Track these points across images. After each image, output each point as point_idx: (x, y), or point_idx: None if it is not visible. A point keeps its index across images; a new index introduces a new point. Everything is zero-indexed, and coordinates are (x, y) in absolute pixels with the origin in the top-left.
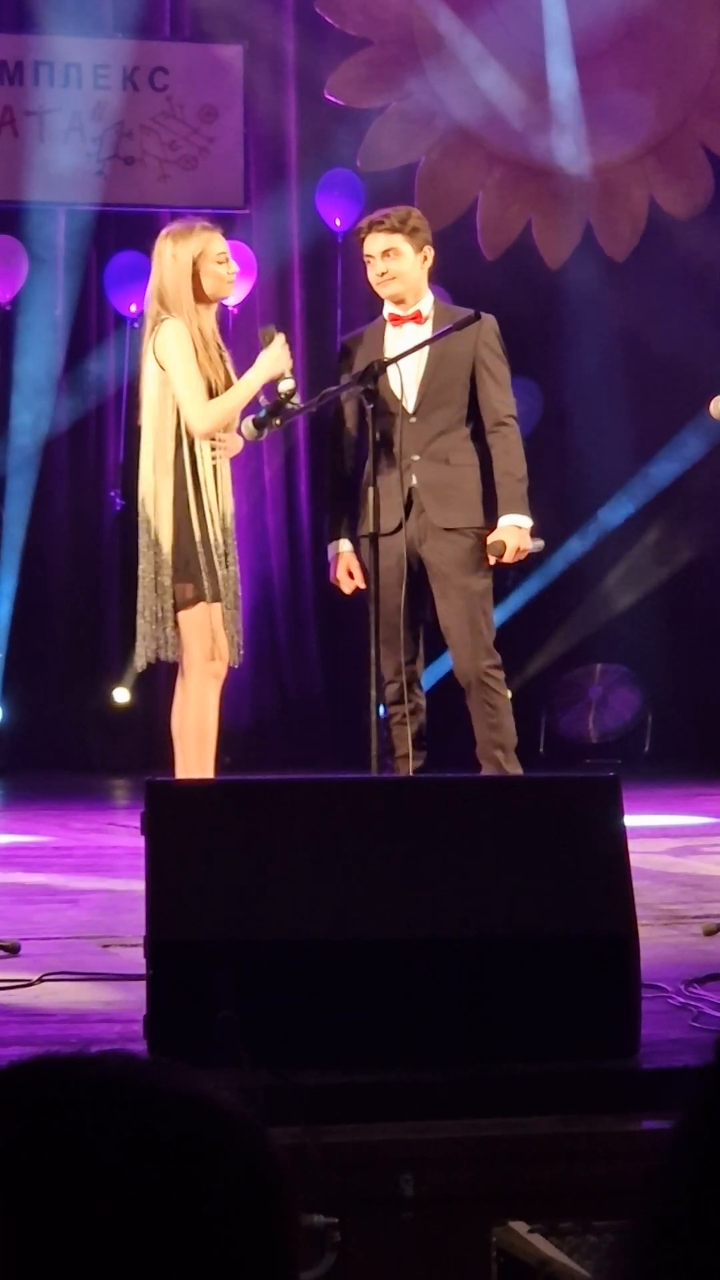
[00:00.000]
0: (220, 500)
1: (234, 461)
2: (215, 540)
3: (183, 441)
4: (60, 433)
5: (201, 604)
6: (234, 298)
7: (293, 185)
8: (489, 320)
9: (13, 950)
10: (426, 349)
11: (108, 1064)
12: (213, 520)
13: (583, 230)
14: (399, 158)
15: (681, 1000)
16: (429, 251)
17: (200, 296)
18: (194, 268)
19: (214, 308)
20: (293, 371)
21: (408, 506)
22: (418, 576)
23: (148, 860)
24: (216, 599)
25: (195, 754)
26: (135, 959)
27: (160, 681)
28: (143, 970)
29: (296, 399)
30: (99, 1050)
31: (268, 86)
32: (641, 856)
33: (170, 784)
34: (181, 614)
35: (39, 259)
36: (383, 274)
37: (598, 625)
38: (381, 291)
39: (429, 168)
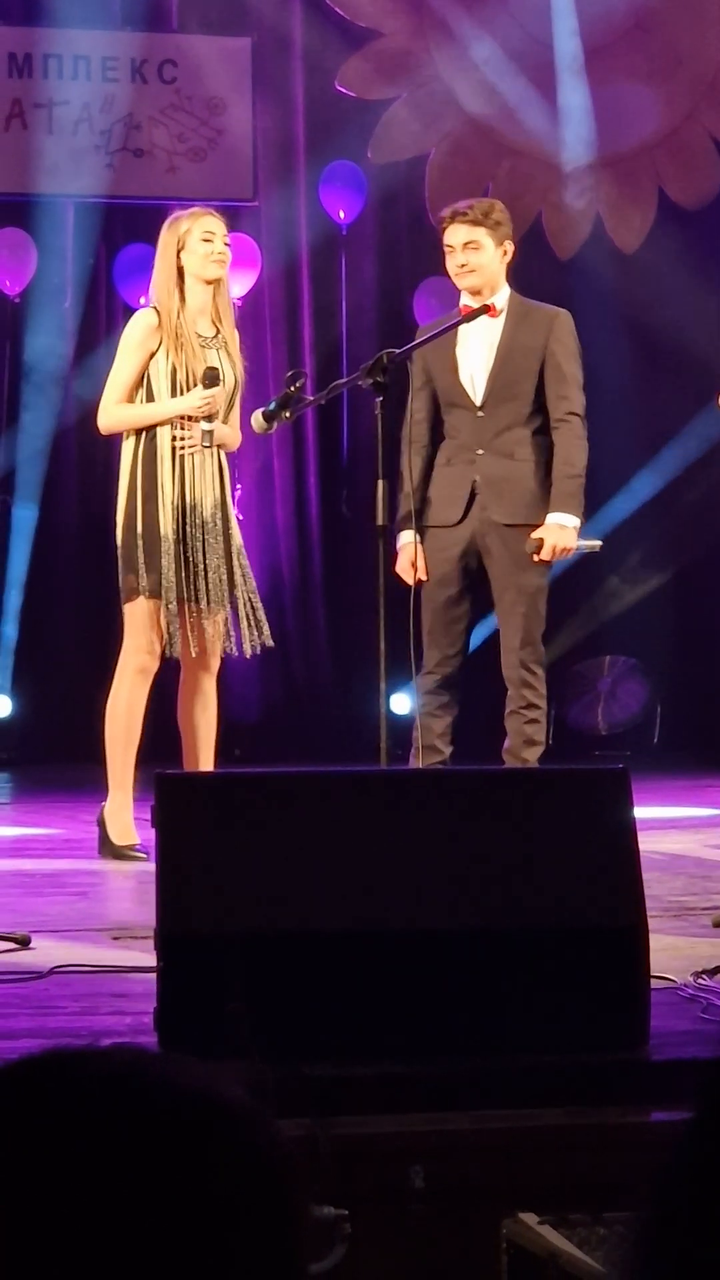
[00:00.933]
0: (188, 493)
1: (242, 453)
2: (164, 534)
3: (143, 431)
4: (69, 425)
5: (140, 598)
6: (239, 288)
7: (301, 178)
8: (563, 316)
9: (23, 943)
10: (496, 342)
11: (117, 1058)
12: (165, 514)
13: (593, 221)
14: (409, 149)
15: (690, 992)
16: (509, 246)
17: (183, 281)
18: (177, 251)
19: (208, 292)
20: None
21: (469, 500)
22: (475, 572)
23: (158, 853)
24: (155, 595)
25: (113, 751)
26: (145, 951)
27: (168, 674)
28: (153, 962)
29: (306, 392)
30: (109, 1044)
31: (277, 78)
32: (650, 848)
33: (180, 776)
34: (125, 605)
35: (48, 251)
36: (462, 265)
37: (607, 617)
38: (459, 283)
39: (439, 159)
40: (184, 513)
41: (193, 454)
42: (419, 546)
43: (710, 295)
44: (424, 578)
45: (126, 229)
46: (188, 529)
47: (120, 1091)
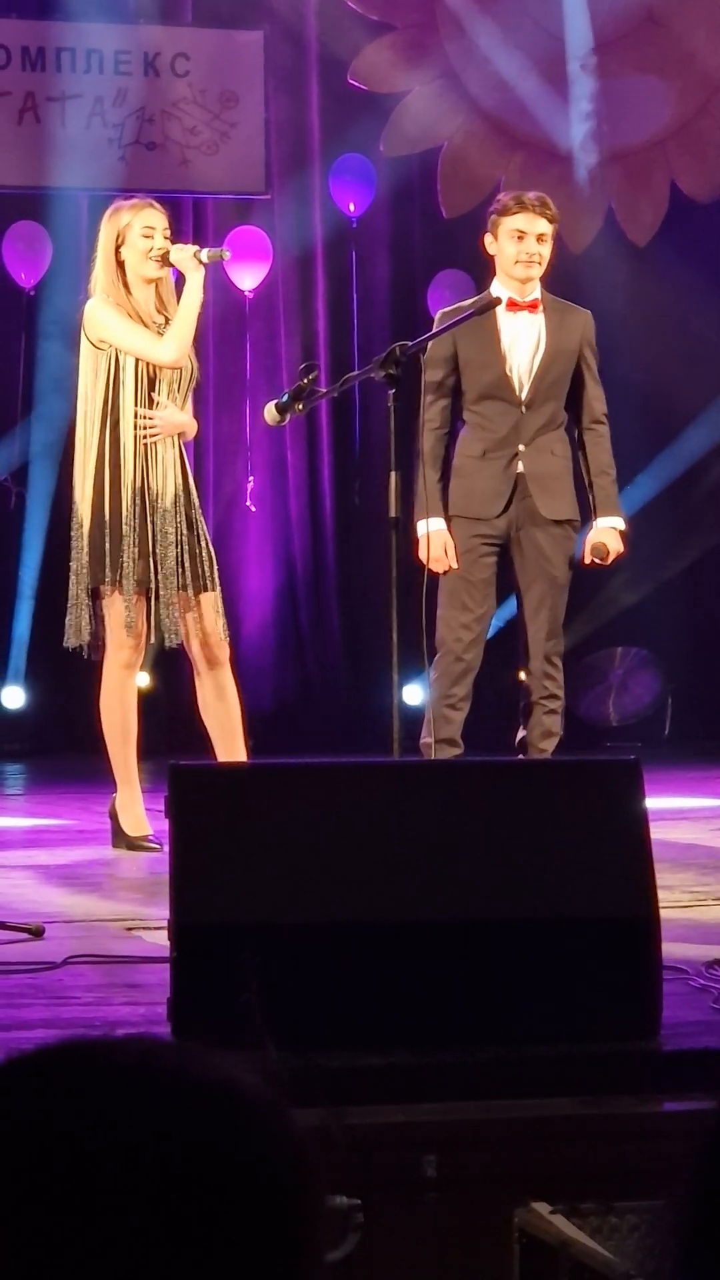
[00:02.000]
0: (150, 482)
1: (256, 446)
2: (127, 524)
3: (106, 422)
4: None
5: (115, 593)
6: (250, 281)
7: (315, 171)
8: (591, 317)
9: (37, 934)
10: (542, 341)
11: (133, 1048)
12: (128, 504)
13: (605, 214)
14: (422, 142)
15: (702, 982)
16: None
17: (124, 274)
18: (117, 246)
19: (151, 286)
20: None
21: (511, 494)
22: (500, 565)
23: (172, 843)
24: (117, 587)
25: (112, 748)
26: (159, 942)
27: (182, 666)
28: (167, 953)
29: (319, 384)
30: (124, 1034)
31: (289, 72)
32: (662, 839)
33: (194, 768)
34: (104, 598)
35: (62, 244)
36: (532, 255)
37: (618, 609)
38: (519, 271)
39: (452, 152)
40: (146, 502)
41: (154, 442)
42: (450, 536)
43: None
44: (454, 566)
45: None
46: (151, 518)
47: (136, 1081)
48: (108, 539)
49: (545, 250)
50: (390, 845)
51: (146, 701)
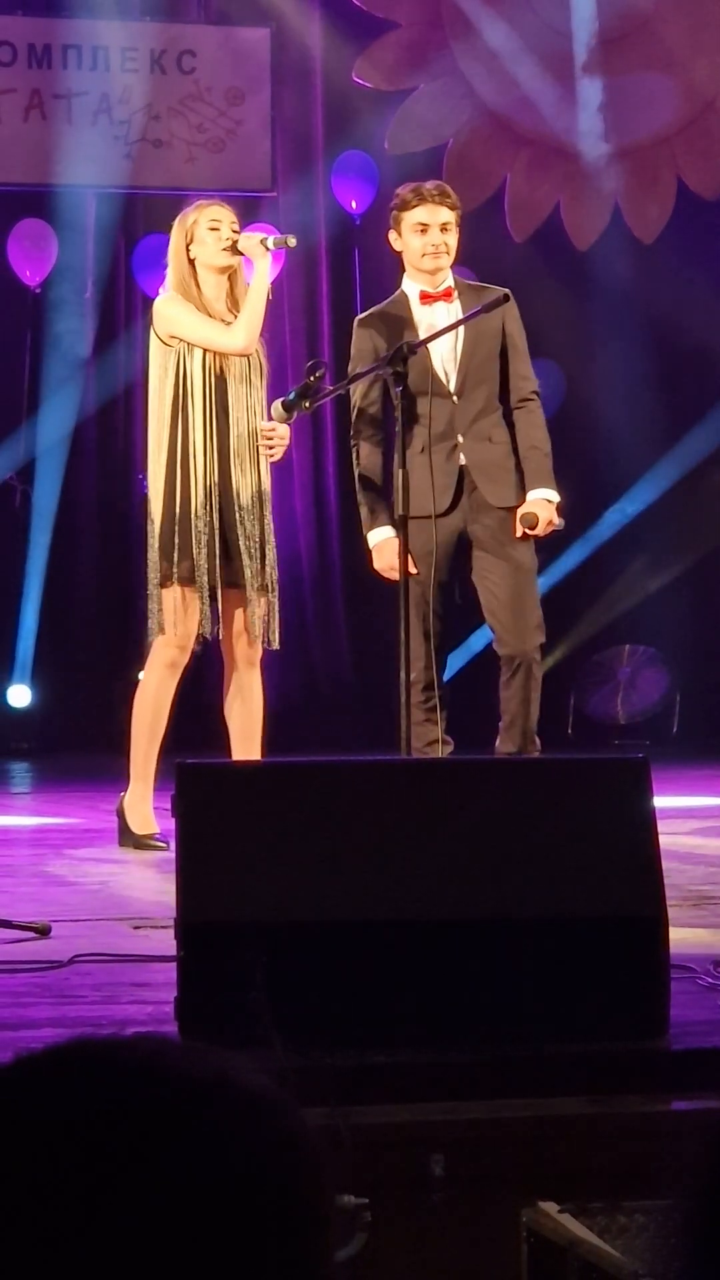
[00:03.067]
0: (228, 479)
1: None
2: (200, 520)
3: (177, 419)
4: (89, 415)
5: (173, 585)
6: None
7: (320, 168)
8: (511, 295)
9: (44, 932)
10: (461, 328)
11: (140, 1047)
12: (200, 501)
13: (611, 211)
14: (427, 140)
15: (710, 981)
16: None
17: (197, 274)
18: (186, 245)
19: (223, 281)
20: (319, 374)
21: (458, 486)
22: (454, 558)
23: (178, 842)
24: (186, 582)
25: (136, 742)
26: (166, 940)
27: (188, 663)
28: (174, 952)
29: (325, 382)
30: (133, 1033)
31: (295, 69)
32: (670, 837)
33: (201, 766)
34: (164, 592)
35: (68, 241)
36: (436, 246)
37: (626, 607)
38: (427, 264)
39: (457, 150)
40: (221, 498)
41: (229, 439)
42: (401, 541)
43: None
44: (413, 572)
45: (146, 219)
46: (225, 514)
47: (144, 1081)
48: (177, 535)
49: (451, 239)
50: (397, 844)
51: None
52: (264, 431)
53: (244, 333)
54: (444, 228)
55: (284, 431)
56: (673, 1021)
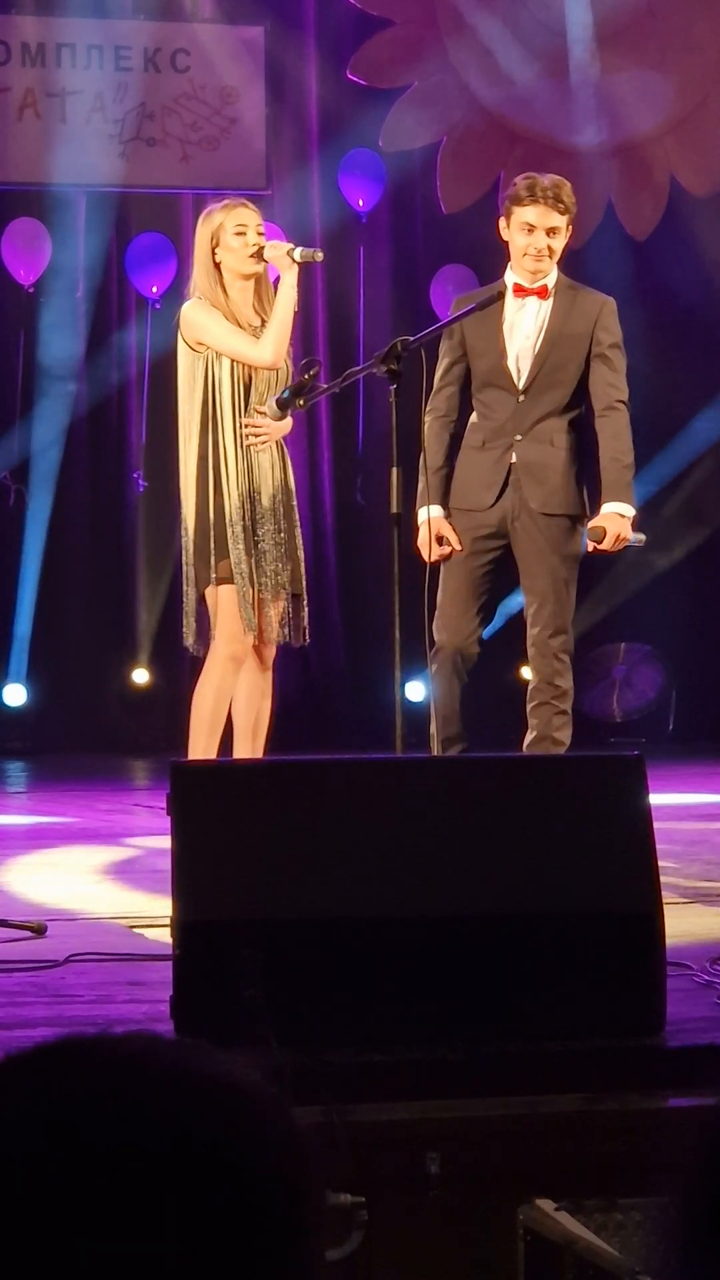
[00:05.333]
0: (254, 484)
1: None
2: (237, 525)
3: (207, 425)
4: (83, 414)
5: (223, 585)
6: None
7: (315, 166)
8: (610, 303)
9: (39, 931)
10: (544, 326)
11: (132, 1044)
12: (235, 507)
13: (604, 209)
14: (421, 137)
15: (706, 978)
16: (571, 230)
17: (223, 276)
18: (213, 247)
19: (249, 285)
20: (314, 372)
21: (504, 485)
22: (500, 558)
23: (174, 841)
24: (225, 581)
25: (195, 737)
26: (162, 939)
27: (182, 662)
28: (169, 950)
29: (320, 380)
30: (124, 1030)
31: (289, 67)
32: (666, 835)
33: (196, 765)
34: (207, 593)
35: (61, 241)
36: (540, 250)
37: (621, 604)
38: (528, 264)
39: (451, 147)
40: (249, 500)
41: (259, 446)
42: (446, 522)
43: None
44: (458, 548)
45: (140, 218)
46: (254, 516)
47: (136, 1078)
48: (212, 541)
49: (556, 243)
50: (393, 841)
51: (146, 699)
52: (248, 422)
53: (272, 347)
54: (550, 231)
55: (277, 427)
56: (669, 1018)
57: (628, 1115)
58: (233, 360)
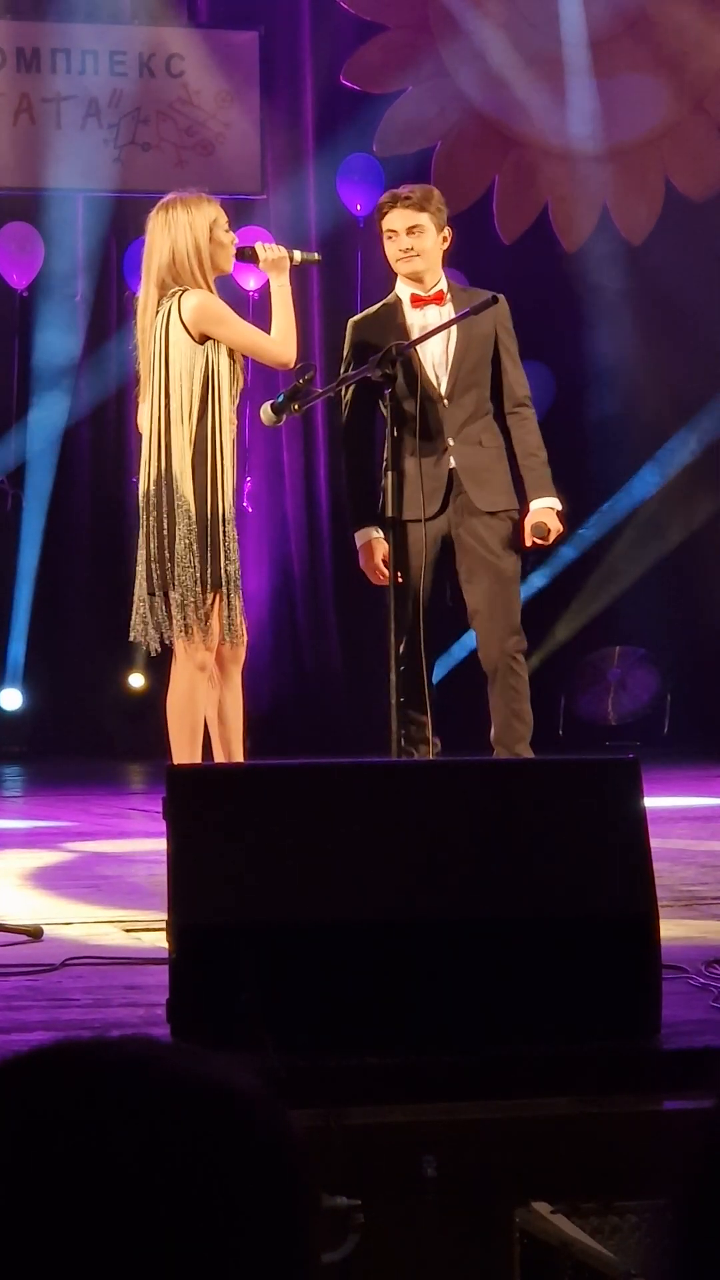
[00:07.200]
0: (227, 483)
1: (252, 447)
2: (229, 524)
3: (206, 416)
4: (80, 418)
5: (206, 589)
6: (252, 281)
7: (310, 171)
8: (505, 301)
9: (35, 935)
10: (453, 331)
11: (128, 1048)
12: (227, 507)
13: (600, 213)
14: (415, 142)
15: (702, 981)
16: (448, 233)
17: (205, 270)
18: (210, 236)
19: (214, 282)
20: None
21: (447, 490)
22: (441, 561)
23: (169, 845)
24: (216, 586)
25: (176, 745)
26: (158, 943)
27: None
28: (165, 954)
29: (315, 385)
30: (120, 1034)
31: (284, 72)
32: (661, 838)
33: (191, 769)
34: (192, 595)
35: (56, 245)
36: (406, 250)
37: (616, 608)
38: (402, 268)
39: (445, 152)
40: (225, 502)
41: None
42: (386, 543)
43: (718, 286)
44: (400, 580)
45: (135, 223)
46: (226, 517)
47: (132, 1082)
48: (209, 540)
49: (420, 241)
50: (388, 845)
51: (138, 703)
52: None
53: (291, 347)
54: (411, 230)
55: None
56: (664, 1021)
57: (623, 1118)
58: (232, 358)
